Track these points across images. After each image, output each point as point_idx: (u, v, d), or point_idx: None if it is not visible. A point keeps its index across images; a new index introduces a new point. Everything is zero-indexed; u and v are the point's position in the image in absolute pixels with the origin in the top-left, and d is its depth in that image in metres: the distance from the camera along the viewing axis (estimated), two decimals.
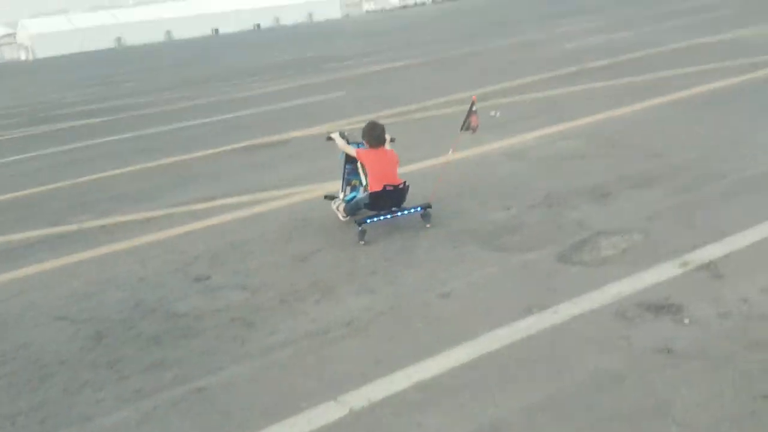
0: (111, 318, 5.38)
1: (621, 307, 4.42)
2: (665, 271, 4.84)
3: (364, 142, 6.73)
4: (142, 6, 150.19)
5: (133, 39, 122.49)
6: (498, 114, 11.14)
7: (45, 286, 6.34)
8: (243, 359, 4.44)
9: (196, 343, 4.76)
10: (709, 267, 4.81)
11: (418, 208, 6.50)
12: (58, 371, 4.65)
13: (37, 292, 6.21)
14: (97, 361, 4.70)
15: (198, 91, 23.13)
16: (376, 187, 6.40)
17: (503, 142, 9.28)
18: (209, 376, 4.28)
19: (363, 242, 6.27)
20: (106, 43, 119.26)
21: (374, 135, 6.62)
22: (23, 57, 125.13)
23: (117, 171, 11.21)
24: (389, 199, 6.45)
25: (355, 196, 6.87)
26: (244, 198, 8.32)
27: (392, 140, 6.96)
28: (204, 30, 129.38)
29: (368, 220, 6.37)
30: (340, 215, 6.98)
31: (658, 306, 4.36)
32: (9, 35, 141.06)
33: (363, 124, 6.85)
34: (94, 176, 10.99)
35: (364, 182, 6.85)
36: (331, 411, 3.75)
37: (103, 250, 7.12)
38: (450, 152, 7.20)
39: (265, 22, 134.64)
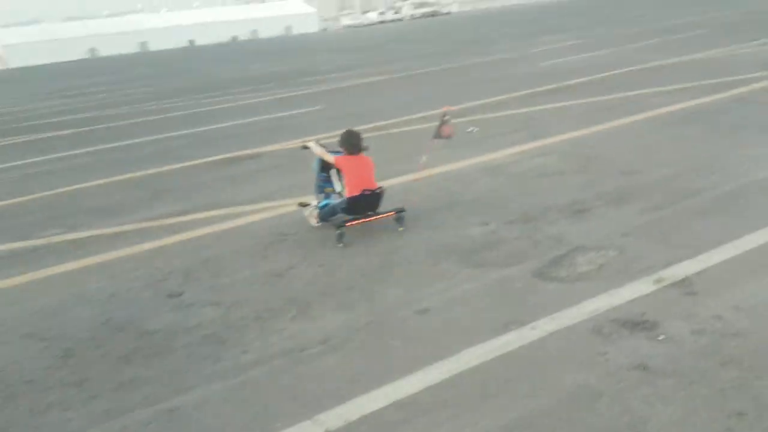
0: (80, 335, 5.27)
1: (597, 323, 4.42)
2: (640, 288, 4.85)
3: (341, 149, 6.96)
4: (116, 17, 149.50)
5: (107, 50, 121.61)
6: (475, 130, 11.27)
7: (11, 302, 6.22)
8: (216, 378, 4.37)
9: (167, 361, 4.68)
10: (683, 284, 4.83)
11: (392, 212, 6.80)
12: (24, 390, 4.54)
13: (3, 308, 6.09)
14: (65, 380, 4.59)
15: (171, 103, 22.99)
16: (354, 192, 6.68)
17: (481, 158, 9.30)
18: (181, 396, 4.20)
19: (341, 245, 6.52)
20: (79, 53, 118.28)
21: (352, 142, 6.89)
22: None
23: (87, 184, 11.05)
24: (366, 203, 6.73)
25: (328, 204, 7.10)
26: (218, 212, 8.25)
27: (366, 148, 7.09)
28: (180, 41, 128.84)
29: (346, 224, 6.61)
30: (313, 221, 7.24)
31: (634, 322, 4.37)
32: None
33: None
34: (64, 189, 10.84)
35: (338, 189, 7.13)
36: (307, 431, 3.69)
37: (73, 265, 7.00)
38: (423, 159, 7.30)
39: (242, 35, 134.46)
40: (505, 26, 50.26)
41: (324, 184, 7.33)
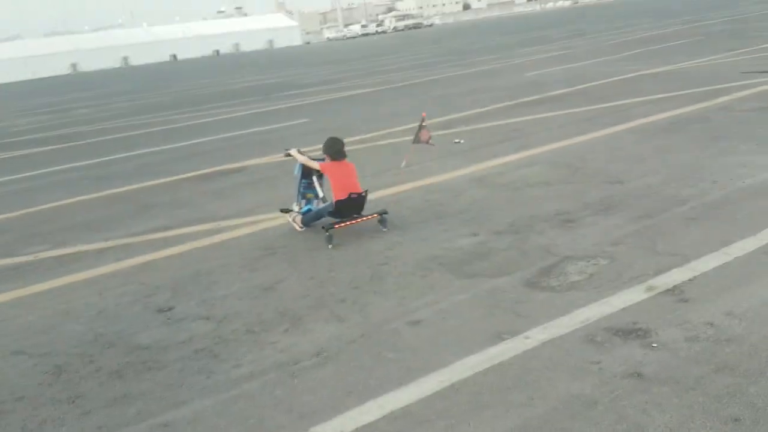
0: (69, 352, 5.22)
1: (590, 332, 4.43)
2: (632, 296, 4.87)
3: (325, 156, 7.31)
4: (97, 32, 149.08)
5: (89, 65, 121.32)
6: (462, 141, 11.33)
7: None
8: (209, 392, 4.34)
9: (159, 376, 4.64)
10: (674, 291, 4.86)
11: (376, 214, 7.13)
12: (15, 408, 4.49)
13: None
14: (56, 397, 4.55)
15: (154, 118, 22.92)
16: (342, 196, 6.99)
17: (468, 169, 9.33)
18: (174, 411, 4.17)
19: (331, 246, 6.84)
20: (61, 69, 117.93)
21: (336, 149, 7.24)
22: None
23: (72, 200, 10.98)
24: (353, 206, 7.08)
25: (310, 209, 7.51)
26: (205, 227, 8.21)
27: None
28: (162, 56, 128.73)
29: (335, 226, 6.94)
30: (297, 226, 7.54)
31: (627, 331, 4.38)
32: None
33: None
34: (49, 205, 10.75)
35: (320, 195, 7.51)
36: None
37: (60, 281, 6.94)
38: (403, 163, 7.42)
39: (225, 49, 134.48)
40: (487, 38, 50.58)
41: (306, 190, 7.65)
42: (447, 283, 5.58)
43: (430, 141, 9.02)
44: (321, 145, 7.44)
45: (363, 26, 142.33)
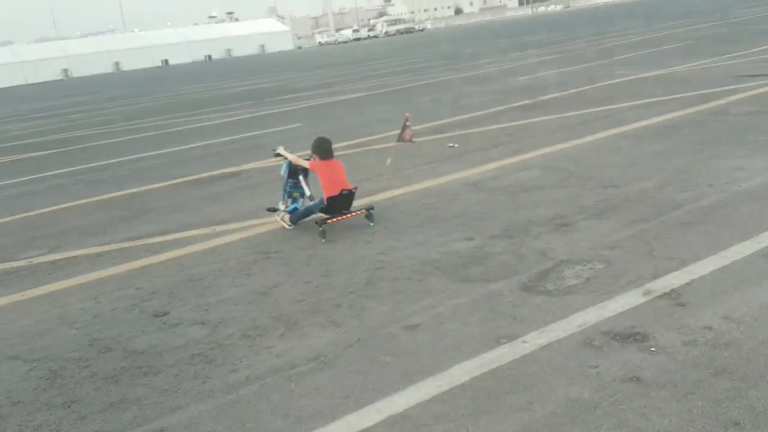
0: (65, 356, 5.20)
1: (588, 336, 4.42)
2: (629, 300, 4.87)
3: (314, 155, 7.64)
4: (89, 37, 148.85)
5: (80, 71, 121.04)
6: (456, 145, 11.34)
7: None
8: (205, 397, 4.32)
9: (155, 381, 4.62)
10: (671, 295, 4.85)
11: (363, 210, 7.49)
12: (11, 412, 4.47)
13: None
14: (52, 402, 4.53)
15: (147, 123, 22.89)
16: (333, 192, 7.34)
17: (462, 173, 9.33)
18: (170, 416, 4.15)
19: (324, 240, 7.16)
20: (52, 74, 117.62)
21: (324, 148, 7.61)
22: None
23: (67, 204, 10.95)
24: (343, 202, 7.43)
25: (296, 207, 7.82)
26: (200, 231, 8.19)
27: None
28: (154, 61, 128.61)
29: (327, 221, 7.29)
30: (285, 225, 7.82)
31: (624, 335, 4.38)
32: None
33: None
34: (44, 210, 10.73)
35: (307, 193, 7.78)
36: None
37: (55, 286, 6.92)
38: (388, 161, 7.50)
39: (216, 54, 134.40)
40: (479, 42, 50.67)
41: (292, 190, 7.94)
42: (443, 288, 5.57)
43: (413, 139, 9.25)
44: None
45: (354, 31, 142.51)
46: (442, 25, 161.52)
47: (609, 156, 9.28)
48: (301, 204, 7.93)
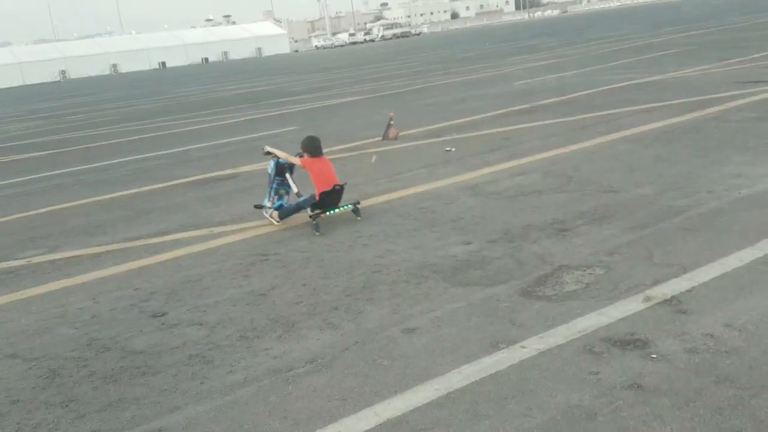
0: (64, 356, 5.18)
1: (588, 342, 4.40)
2: (629, 306, 4.83)
3: (304, 153, 7.97)
4: (86, 39, 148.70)
5: (78, 72, 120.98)
6: (453, 149, 11.33)
7: None
8: (203, 398, 4.30)
9: (154, 381, 4.60)
10: (672, 302, 4.82)
11: (349, 205, 7.90)
12: (10, 411, 4.45)
13: None
14: (51, 401, 4.51)
15: (145, 124, 22.87)
16: (326, 187, 7.74)
17: (459, 177, 9.31)
18: (169, 416, 4.13)
19: (318, 233, 7.48)
20: (50, 75, 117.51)
21: (314, 146, 7.99)
22: None
23: (66, 204, 10.93)
24: (335, 197, 7.82)
25: (281, 204, 8.08)
26: (198, 232, 8.18)
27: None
28: (151, 63, 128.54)
29: (320, 215, 7.68)
30: (274, 221, 8.11)
31: (625, 341, 4.35)
32: None
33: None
34: (43, 210, 10.72)
35: (295, 190, 7.95)
36: None
37: (54, 285, 6.90)
38: (373, 158, 8.73)
39: (213, 57, 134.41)
40: (477, 46, 50.68)
41: (279, 187, 8.20)
42: (441, 291, 5.55)
43: (398, 136, 9.43)
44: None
45: (351, 35, 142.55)
46: (438, 29, 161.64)
47: (608, 161, 9.27)
48: (286, 201, 8.16)
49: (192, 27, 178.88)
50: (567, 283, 5.40)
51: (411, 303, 5.38)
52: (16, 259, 8.04)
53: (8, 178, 14.52)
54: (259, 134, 16.69)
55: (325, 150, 8.34)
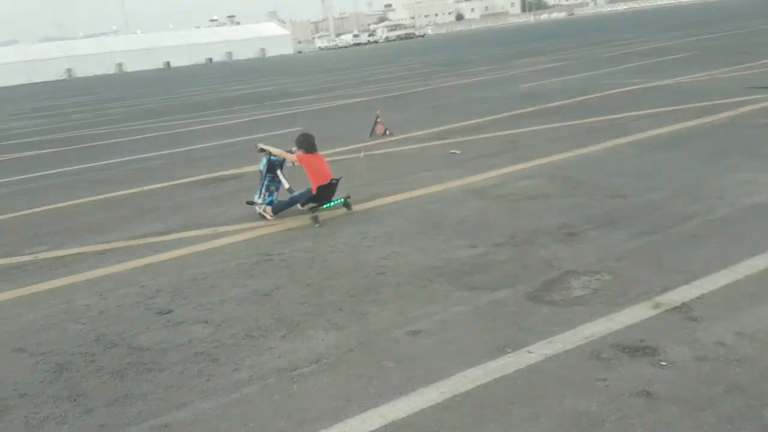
0: (71, 351, 5.19)
1: (596, 348, 4.36)
2: (638, 313, 4.79)
3: (299, 149, 8.26)
4: (92, 38, 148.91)
5: (83, 71, 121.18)
6: (458, 152, 11.29)
7: (1, 317, 6.11)
8: (209, 395, 4.29)
9: (160, 377, 4.60)
10: (681, 309, 4.78)
11: (341, 200, 8.24)
12: (18, 404, 4.47)
13: None
14: (58, 395, 4.52)
15: (149, 124, 22.87)
16: (323, 182, 7.99)
17: (465, 180, 9.28)
18: (175, 412, 4.13)
19: (318, 225, 7.84)
20: (55, 74, 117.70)
21: (309, 142, 8.27)
22: None
23: (71, 202, 10.94)
24: (330, 190, 8.08)
25: (272, 200, 8.41)
26: (203, 232, 8.16)
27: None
28: (156, 63, 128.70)
29: (317, 209, 8.04)
30: (268, 216, 8.37)
31: (634, 348, 4.31)
32: None
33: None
34: (48, 207, 10.73)
35: (287, 185, 8.19)
36: None
37: (61, 281, 6.92)
38: (361, 154, 9.08)
39: (217, 57, 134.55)
40: (481, 48, 50.66)
41: (270, 183, 8.46)
42: (446, 294, 5.51)
43: (388, 132, 9.54)
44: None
45: (355, 36, 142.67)
46: (443, 31, 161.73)
47: (616, 165, 9.22)
48: (276, 197, 8.50)
49: (196, 27, 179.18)
50: (574, 288, 5.36)
51: (416, 305, 5.35)
52: (23, 255, 8.06)
53: (14, 176, 14.53)
54: (263, 134, 16.62)
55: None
